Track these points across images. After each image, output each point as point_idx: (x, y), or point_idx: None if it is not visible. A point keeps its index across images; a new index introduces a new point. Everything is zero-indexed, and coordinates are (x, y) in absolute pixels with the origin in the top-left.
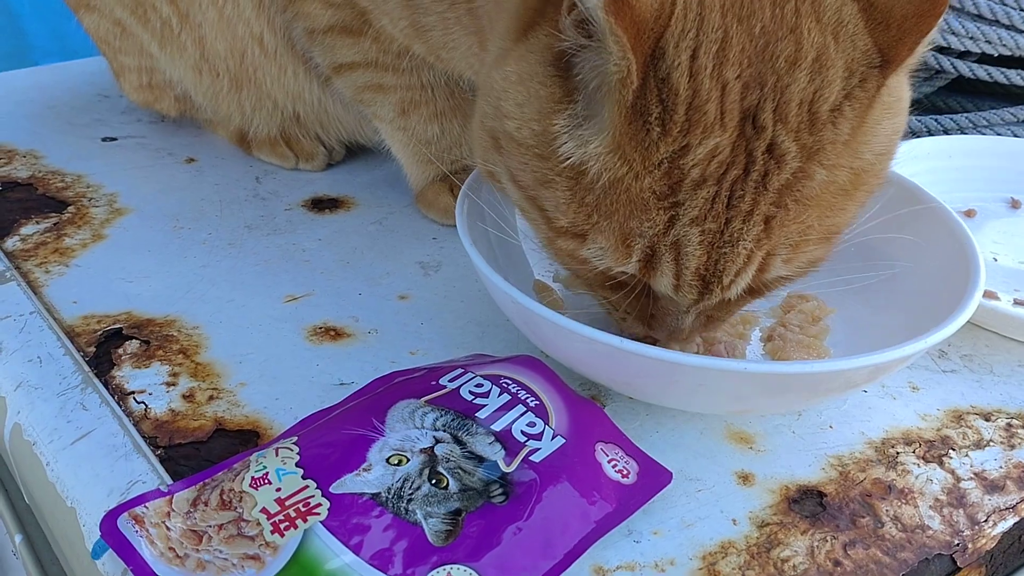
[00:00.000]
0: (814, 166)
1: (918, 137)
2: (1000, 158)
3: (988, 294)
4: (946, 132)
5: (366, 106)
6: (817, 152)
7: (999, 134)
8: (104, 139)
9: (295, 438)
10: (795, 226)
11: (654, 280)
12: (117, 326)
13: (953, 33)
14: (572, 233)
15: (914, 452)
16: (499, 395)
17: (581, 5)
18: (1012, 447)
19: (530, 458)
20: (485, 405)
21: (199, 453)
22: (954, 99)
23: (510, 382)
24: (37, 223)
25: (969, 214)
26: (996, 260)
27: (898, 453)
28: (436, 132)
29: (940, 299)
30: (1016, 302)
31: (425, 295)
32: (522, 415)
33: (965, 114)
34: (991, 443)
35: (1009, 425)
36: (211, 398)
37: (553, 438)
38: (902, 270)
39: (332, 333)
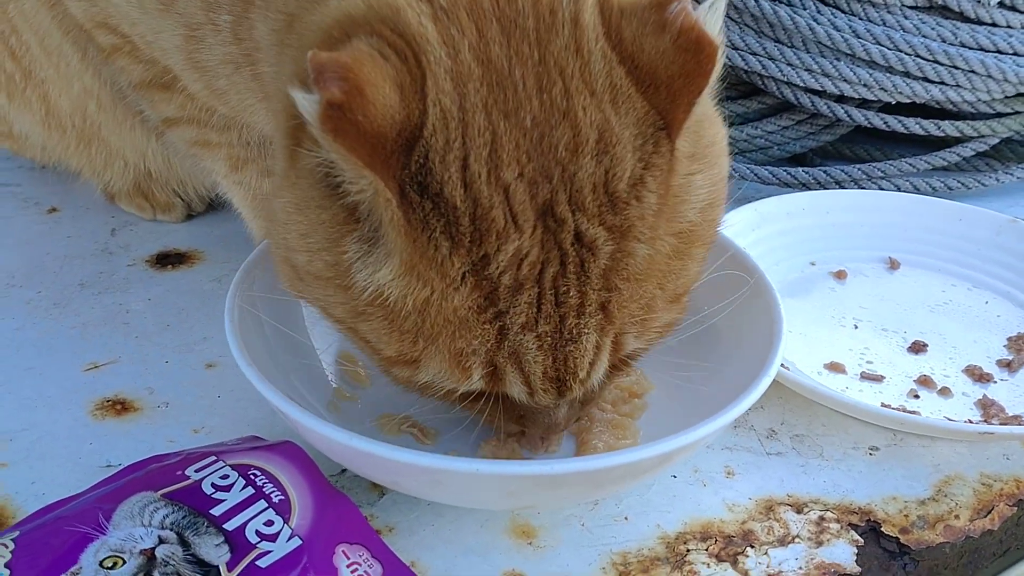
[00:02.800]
0: (631, 243)
1: (808, 190)
2: (881, 214)
3: (834, 367)
4: (838, 184)
5: (200, 160)
6: (629, 230)
7: (897, 187)
8: None
9: (17, 533)
10: (635, 303)
11: (506, 389)
12: None
13: (846, 81)
14: (402, 361)
15: (707, 550)
16: (242, 488)
17: (306, 117)
18: (819, 544)
19: (257, 562)
20: (224, 500)
21: None
22: (860, 146)
23: (259, 473)
24: None
25: (840, 275)
26: (856, 327)
27: (688, 551)
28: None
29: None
30: (864, 375)
31: (234, 363)
32: (261, 512)
33: (858, 165)
34: (796, 539)
35: (821, 519)
36: None
37: (290, 539)
38: (715, 328)
39: (119, 407)
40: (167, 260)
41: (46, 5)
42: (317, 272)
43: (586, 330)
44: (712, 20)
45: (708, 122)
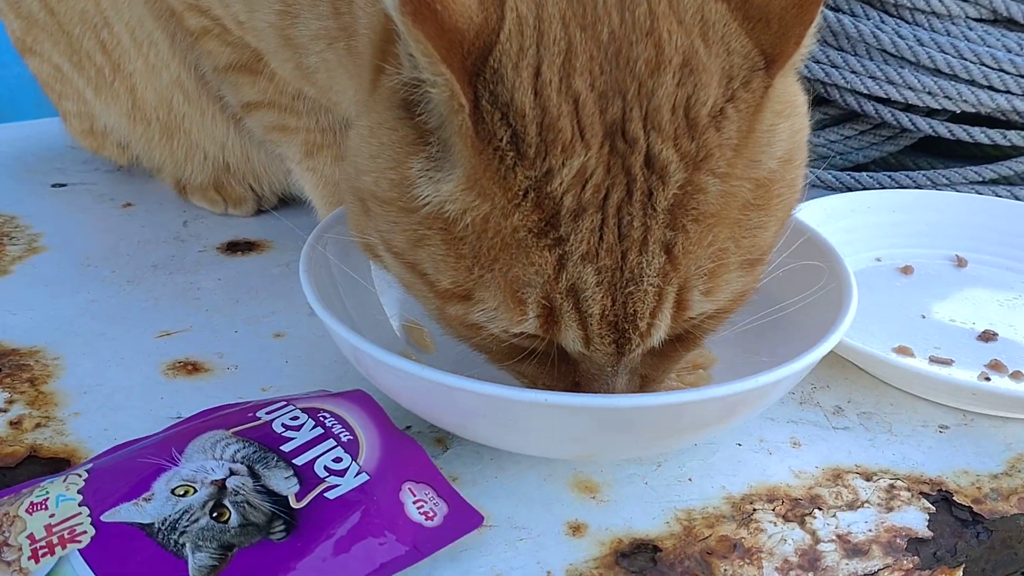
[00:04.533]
0: (704, 176)
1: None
2: (946, 214)
3: (903, 350)
4: (902, 188)
5: (275, 146)
6: (704, 160)
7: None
8: (54, 185)
9: (90, 465)
10: (703, 250)
11: (560, 337)
12: None
13: (911, 88)
14: (457, 295)
15: (773, 510)
16: (312, 428)
17: (390, 11)
18: (889, 509)
19: (325, 495)
20: (293, 439)
21: (3, 479)
22: (923, 159)
23: (328, 416)
24: None
25: (906, 271)
26: (924, 317)
27: (755, 510)
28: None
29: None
30: (932, 359)
31: (302, 334)
32: (330, 449)
33: (923, 172)
34: (866, 504)
35: (892, 486)
36: (38, 425)
37: (357, 474)
38: (788, 319)
39: (190, 368)
40: (236, 248)
41: None
42: (381, 193)
43: (648, 272)
44: None
45: (793, 76)
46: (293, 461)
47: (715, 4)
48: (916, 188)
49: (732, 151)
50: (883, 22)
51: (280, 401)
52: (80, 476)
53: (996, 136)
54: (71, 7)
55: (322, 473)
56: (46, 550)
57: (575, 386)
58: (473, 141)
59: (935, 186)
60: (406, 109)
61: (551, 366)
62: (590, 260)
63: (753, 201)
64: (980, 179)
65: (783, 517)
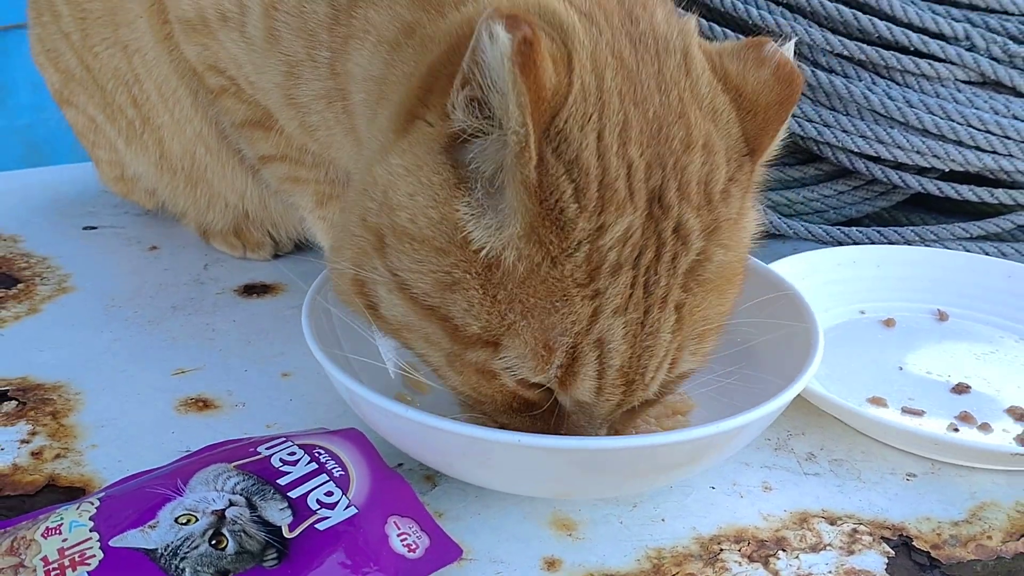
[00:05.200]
0: (713, 246)
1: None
2: (931, 269)
3: (876, 400)
4: (889, 243)
5: (288, 196)
6: (715, 231)
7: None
8: (85, 228)
9: (103, 494)
10: (700, 313)
11: (574, 386)
12: (6, 388)
13: (900, 148)
14: (484, 341)
15: (739, 550)
16: (307, 463)
17: (481, 63)
18: (850, 553)
19: (316, 526)
20: (289, 472)
21: (23, 505)
22: (916, 214)
23: (323, 452)
24: None
25: (888, 323)
26: (901, 369)
27: (722, 550)
28: None
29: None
30: (905, 410)
31: (307, 375)
32: (323, 484)
33: (912, 227)
34: (828, 547)
35: (855, 531)
36: (57, 456)
37: (347, 508)
38: (763, 369)
39: (201, 404)
40: (252, 290)
41: (165, 51)
42: (416, 232)
43: (663, 328)
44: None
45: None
46: (288, 494)
47: (722, 96)
48: (904, 243)
49: (733, 224)
50: (874, 83)
51: (280, 437)
52: (92, 504)
53: (984, 194)
54: (105, 64)
55: (314, 506)
56: (58, 572)
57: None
58: (536, 192)
59: (923, 241)
60: (449, 153)
61: (541, 420)
62: (620, 313)
63: (733, 274)
64: (968, 235)
65: (748, 557)
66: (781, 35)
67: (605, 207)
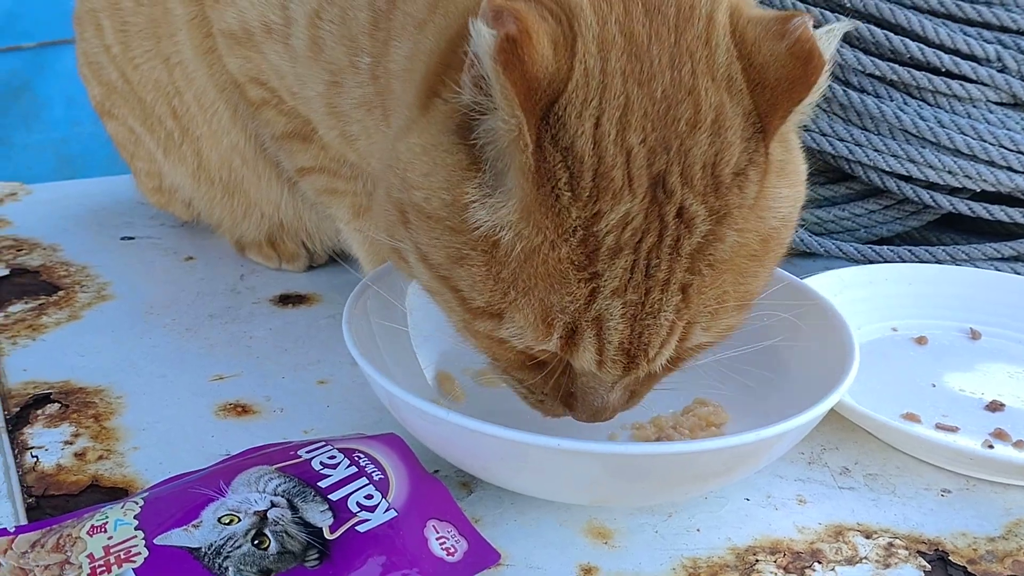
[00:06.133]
0: (724, 229)
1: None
2: (963, 287)
3: (910, 417)
4: (921, 262)
5: (325, 208)
6: (725, 216)
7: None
8: (123, 238)
9: (146, 494)
10: (712, 292)
11: (575, 357)
12: (48, 391)
13: (931, 167)
14: (489, 313)
15: (775, 561)
16: (347, 467)
17: (474, 56)
18: (886, 566)
19: (356, 528)
20: (330, 476)
21: (67, 504)
22: (946, 234)
23: (362, 456)
24: (26, 303)
25: (921, 341)
26: (934, 386)
27: (757, 560)
28: None
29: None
30: (939, 426)
31: (344, 382)
32: (362, 487)
33: (943, 247)
34: (864, 560)
35: (890, 544)
36: (100, 457)
37: (386, 511)
38: (796, 383)
39: (240, 409)
40: (288, 300)
41: (205, 64)
42: (431, 210)
43: (665, 308)
44: (827, 42)
45: (796, 151)
46: (329, 496)
47: (736, 63)
48: (935, 263)
49: (748, 208)
50: (906, 103)
51: (320, 442)
52: (136, 503)
53: (1015, 214)
54: (146, 76)
55: (354, 508)
56: (104, 569)
57: (570, 396)
58: (533, 177)
59: (955, 261)
60: (461, 133)
61: (554, 379)
62: (619, 295)
63: (755, 253)
64: (999, 255)
65: (784, 569)
66: None
67: (600, 195)
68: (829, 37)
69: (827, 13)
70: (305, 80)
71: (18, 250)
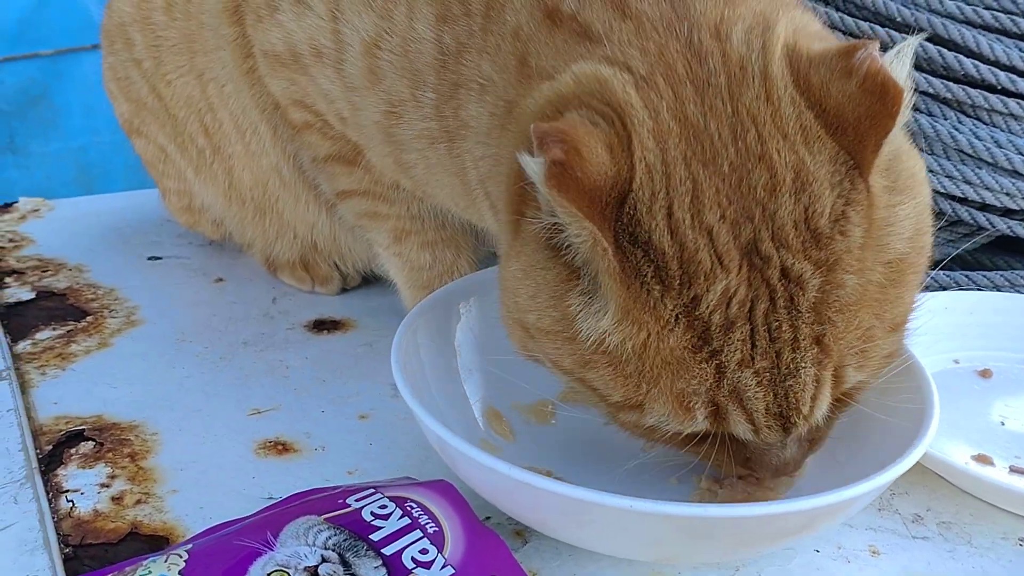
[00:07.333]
0: (840, 275)
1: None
2: None
3: (982, 459)
4: (978, 288)
5: (364, 231)
6: (836, 263)
7: None
8: (150, 258)
9: (190, 546)
10: (852, 334)
11: (731, 428)
12: (81, 428)
13: (988, 189)
14: (629, 406)
15: None
16: (399, 518)
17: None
18: None
19: None
20: (382, 527)
21: (106, 555)
22: (1000, 257)
23: (415, 506)
24: (54, 329)
25: (985, 374)
26: (1003, 424)
27: None
28: (428, 260)
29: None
30: (1012, 469)
31: (385, 416)
32: (417, 540)
33: (1000, 272)
34: None
35: None
36: (138, 502)
37: (443, 567)
38: (868, 424)
39: (280, 447)
40: (323, 326)
41: (247, 85)
42: (547, 328)
43: (803, 364)
44: (898, 66)
45: (904, 156)
46: (382, 551)
47: (807, 112)
48: (994, 288)
49: (860, 248)
50: (960, 123)
51: (368, 488)
52: (180, 556)
53: None
54: (178, 92)
55: (409, 564)
56: None
57: (747, 461)
58: (620, 278)
59: (1012, 286)
60: (553, 248)
61: (724, 446)
62: (747, 365)
63: (890, 279)
64: None
65: None
66: None
67: (692, 280)
68: (900, 60)
69: (876, 28)
70: (360, 107)
71: (43, 271)
